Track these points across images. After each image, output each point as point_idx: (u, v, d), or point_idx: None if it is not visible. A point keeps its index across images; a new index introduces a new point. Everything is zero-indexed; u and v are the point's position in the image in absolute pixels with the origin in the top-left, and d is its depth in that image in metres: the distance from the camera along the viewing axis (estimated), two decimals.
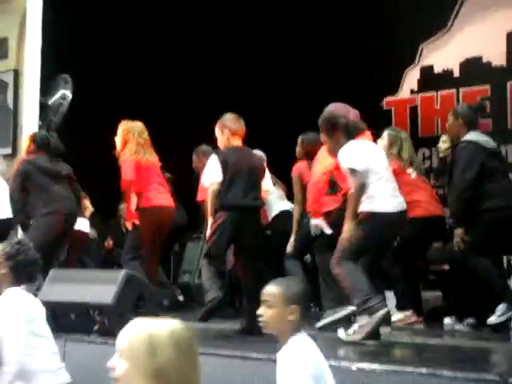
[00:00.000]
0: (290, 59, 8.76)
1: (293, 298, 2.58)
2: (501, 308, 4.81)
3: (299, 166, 5.91)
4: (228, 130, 5.08)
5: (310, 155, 5.71)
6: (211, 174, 4.94)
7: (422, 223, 5.39)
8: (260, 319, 2.63)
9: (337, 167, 4.69)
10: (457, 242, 4.93)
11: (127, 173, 5.73)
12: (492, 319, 4.83)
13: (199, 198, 6.06)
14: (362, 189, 4.17)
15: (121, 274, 4.61)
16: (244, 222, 4.88)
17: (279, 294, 2.59)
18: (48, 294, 4.62)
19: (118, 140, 5.93)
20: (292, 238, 5.76)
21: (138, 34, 8.72)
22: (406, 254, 5.43)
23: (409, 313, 5.48)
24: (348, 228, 4.17)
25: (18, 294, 3.40)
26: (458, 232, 4.92)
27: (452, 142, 5.56)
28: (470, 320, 5.14)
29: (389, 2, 8.30)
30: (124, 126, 5.94)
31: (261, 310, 2.62)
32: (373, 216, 4.17)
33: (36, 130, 7.63)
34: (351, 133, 4.32)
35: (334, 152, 4.45)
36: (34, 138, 6.21)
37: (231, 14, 8.74)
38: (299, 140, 6.06)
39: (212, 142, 5.48)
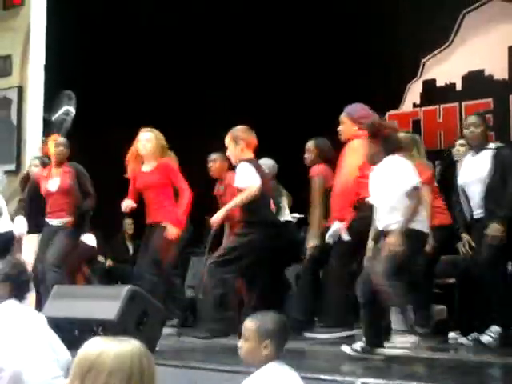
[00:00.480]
0: (292, 74, 8.79)
1: (266, 334, 2.70)
2: (494, 331, 4.76)
3: (322, 169, 5.69)
4: (243, 141, 5.08)
5: (326, 160, 5.67)
6: (250, 178, 4.88)
7: (444, 230, 5.34)
8: (239, 352, 2.77)
9: (363, 175, 4.66)
10: (492, 238, 4.73)
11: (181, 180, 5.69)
12: (486, 338, 4.77)
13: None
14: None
15: (124, 289, 4.60)
16: (275, 239, 4.95)
17: (254, 329, 2.72)
18: (51, 309, 4.61)
19: (150, 146, 5.78)
20: (312, 244, 5.47)
21: (141, 50, 8.77)
22: (428, 268, 5.35)
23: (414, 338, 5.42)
24: (398, 242, 4.03)
25: (16, 307, 3.49)
26: (500, 229, 4.71)
27: (475, 148, 5.37)
28: (475, 334, 5.10)
29: (390, 17, 8.33)
30: (160, 136, 5.87)
31: (240, 343, 2.76)
32: (415, 233, 4.15)
33: (40, 146, 7.68)
34: (390, 148, 4.25)
35: (371, 159, 4.37)
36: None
37: (232, 19, 8.78)
38: (312, 145, 5.91)
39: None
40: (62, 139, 6.33)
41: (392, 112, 8.94)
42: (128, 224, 8.46)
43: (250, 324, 2.75)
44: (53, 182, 6.14)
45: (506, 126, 8.12)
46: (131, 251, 8.45)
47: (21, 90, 8.04)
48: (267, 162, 6.39)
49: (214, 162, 6.58)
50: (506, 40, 8.17)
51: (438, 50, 8.65)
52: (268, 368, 2.68)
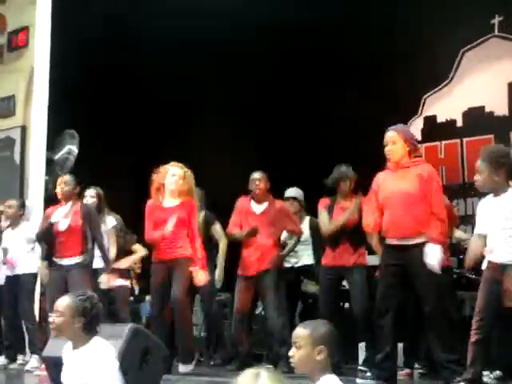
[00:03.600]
0: (293, 108, 8.87)
1: (320, 339, 2.67)
2: None
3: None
4: None
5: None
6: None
7: None
8: (291, 360, 2.72)
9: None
10: None
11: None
12: None
13: None
14: None
15: (127, 327, 4.56)
16: None
17: (307, 335, 2.69)
18: (53, 349, 4.57)
19: (182, 183, 5.71)
20: None
21: (143, 90, 8.84)
22: None
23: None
24: None
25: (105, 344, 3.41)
26: None
27: None
28: (497, 372, 5.01)
29: (391, 55, 8.40)
30: (190, 176, 5.80)
31: (291, 352, 2.71)
32: None
33: (42, 185, 7.70)
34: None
35: (495, 190, 4.16)
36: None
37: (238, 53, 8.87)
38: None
39: None
40: (66, 177, 6.16)
41: None
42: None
43: (302, 331, 2.72)
44: (63, 221, 5.97)
45: None
46: (136, 291, 8.35)
47: (24, 130, 8.09)
48: (297, 191, 6.56)
49: (260, 181, 6.15)
50: (506, 76, 8.25)
51: (439, 86, 8.72)
52: (328, 381, 2.65)
